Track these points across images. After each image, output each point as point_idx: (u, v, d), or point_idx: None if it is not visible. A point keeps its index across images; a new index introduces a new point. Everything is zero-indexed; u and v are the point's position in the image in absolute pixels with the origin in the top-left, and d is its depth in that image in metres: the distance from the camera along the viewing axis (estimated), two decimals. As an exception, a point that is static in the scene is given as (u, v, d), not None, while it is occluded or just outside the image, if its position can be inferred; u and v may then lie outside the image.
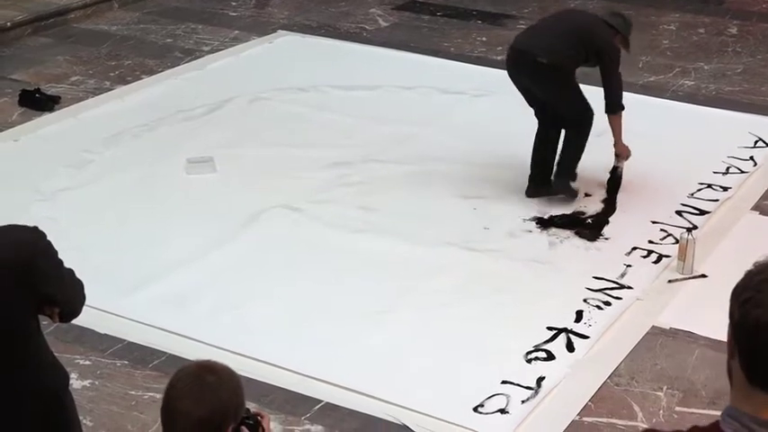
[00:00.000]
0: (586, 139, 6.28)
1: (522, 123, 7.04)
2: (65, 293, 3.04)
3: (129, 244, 5.89)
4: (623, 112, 6.25)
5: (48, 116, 7.62)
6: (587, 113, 6.19)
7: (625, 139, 6.36)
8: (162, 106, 7.74)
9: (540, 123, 6.38)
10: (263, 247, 5.86)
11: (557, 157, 6.36)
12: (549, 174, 6.37)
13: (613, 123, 6.26)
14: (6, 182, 6.54)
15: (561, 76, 6.13)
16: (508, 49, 6.41)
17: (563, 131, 6.32)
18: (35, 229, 2.99)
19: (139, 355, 4.95)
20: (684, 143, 7.16)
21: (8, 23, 9.19)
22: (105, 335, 5.08)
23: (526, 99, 6.37)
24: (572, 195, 6.36)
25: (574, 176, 6.40)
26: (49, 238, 3.01)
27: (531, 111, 6.44)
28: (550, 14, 6.75)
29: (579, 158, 6.33)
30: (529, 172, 6.41)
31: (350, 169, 6.77)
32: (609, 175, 6.47)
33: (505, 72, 6.30)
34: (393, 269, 5.65)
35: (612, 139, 6.31)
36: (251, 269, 5.66)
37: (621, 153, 6.39)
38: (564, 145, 6.33)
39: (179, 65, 8.66)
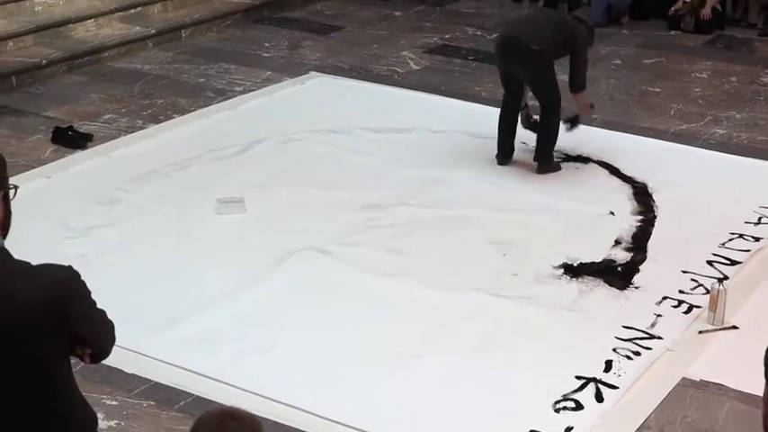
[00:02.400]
0: (559, 120, 7.31)
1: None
2: (96, 334, 3.02)
3: (158, 283, 5.90)
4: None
5: (80, 154, 7.68)
6: (559, 97, 7.22)
7: (655, 187, 7.14)
8: (193, 146, 7.78)
9: (506, 102, 7.41)
10: (292, 290, 5.85)
11: (536, 142, 7.39)
12: (513, 143, 7.50)
13: (579, 98, 7.41)
14: (38, 218, 6.57)
15: (545, 61, 7.11)
16: (500, 37, 7.51)
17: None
18: (69, 268, 2.99)
19: (166, 396, 4.94)
20: (716, 192, 7.13)
21: (43, 61, 9.31)
22: (132, 375, 5.07)
23: (504, 81, 7.38)
24: (557, 169, 7.37)
25: (552, 158, 7.36)
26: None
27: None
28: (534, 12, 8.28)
29: (556, 140, 7.35)
30: (496, 154, 7.45)
31: (380, 212, 6.76)
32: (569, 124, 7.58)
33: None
34: (421, 314, 5.63)
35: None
36: (279, 311, 5.65)
37: (584, 113, 7.60)
38: (541, 127, 7.36)
39: (211, 104, 8.72)
